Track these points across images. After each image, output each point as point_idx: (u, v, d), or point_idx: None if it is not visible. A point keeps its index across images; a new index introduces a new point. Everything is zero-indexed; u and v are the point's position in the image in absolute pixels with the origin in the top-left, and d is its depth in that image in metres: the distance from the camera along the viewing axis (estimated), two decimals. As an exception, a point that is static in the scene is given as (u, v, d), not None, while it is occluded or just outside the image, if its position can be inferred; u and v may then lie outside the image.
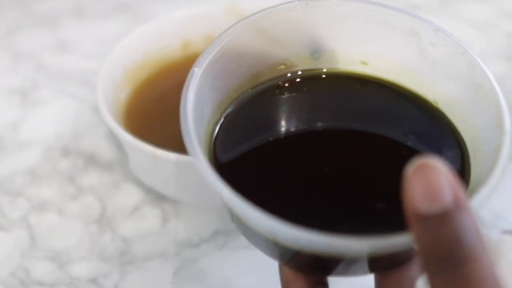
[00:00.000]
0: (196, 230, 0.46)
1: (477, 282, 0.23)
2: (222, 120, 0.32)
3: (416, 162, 0.24)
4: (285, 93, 0.34)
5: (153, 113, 0.48)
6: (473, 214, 0.24)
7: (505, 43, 0.61)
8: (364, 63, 0.34)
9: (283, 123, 0.33)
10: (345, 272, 0.30)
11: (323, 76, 0.34)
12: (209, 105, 0.32)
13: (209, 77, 0.31)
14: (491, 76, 0.30)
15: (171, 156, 0.39)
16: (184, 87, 0.30)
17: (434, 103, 0.33)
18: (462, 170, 0.30)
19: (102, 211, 0.47)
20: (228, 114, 0.33)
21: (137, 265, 0.44)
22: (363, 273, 0.30)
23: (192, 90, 0.30)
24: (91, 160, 0.51)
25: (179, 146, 0.44)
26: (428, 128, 0.32)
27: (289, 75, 0.34)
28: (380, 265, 0.30)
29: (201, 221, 0.46)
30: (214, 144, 0.32)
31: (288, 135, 0.33)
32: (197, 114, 0.29)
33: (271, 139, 0.33)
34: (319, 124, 0.33)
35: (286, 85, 0.34)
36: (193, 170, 0.40)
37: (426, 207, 0.23)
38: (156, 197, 0.48)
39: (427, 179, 0.23)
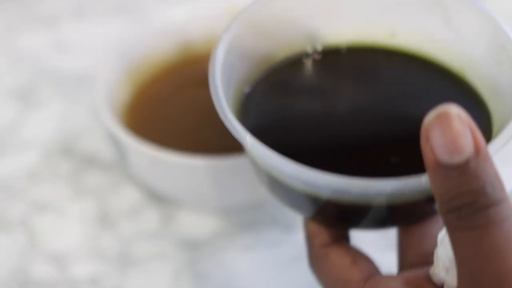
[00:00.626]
0: (196, 231, 0.46)
1: (497, 223, 0.23)
2: (249, 87, 0.34)
3: (435, 111, 0.24)
4: (313, 65, 0.35)
5: (152, 113, 0.48)
6: (493, 162, 0.24)
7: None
8: (389, 35, 0.35)
9: (311, 91, 0.34)
10: (368, 225, 0.31)
11: (350, 49, 0.35)
12: (236, 72, 0.32)
13: (238, 44, 0.32)
14: None
15: (171, 157, 0.39)
16: (213, 50, 0.31)
17: (460, 71, 0.33)
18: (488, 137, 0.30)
19: (102, 212, 0.47)
20: (256, 82, 0.34)
21: (137, 266, 0.44)
22: (385, 226, 0.31)
23: (221, 52, 0.31)
24: (91, 161, 0.51)
25: (178, 147, 0.44)
26: (454, 98, 0.32)
27: (317, 47, 0.35)
28: (401, 216, 0.31)
29: (201, 222, 0.46)
30: (243, 106, 0.33)
31: (315, 101, 0.34)
32: (225, 77, 0.30)
33: (299, 105, 0.34)
34: (346, 92, 0.34)
35: (315, 57, 0.35)
36: (193, 171, 0.40)
37: (447, 157, 0.23)
38: (156, 198, 0.48)
39: (448, 128, 0.23)
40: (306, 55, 0.35)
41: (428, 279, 0.28)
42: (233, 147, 0.44)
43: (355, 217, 0.31)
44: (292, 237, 0.45)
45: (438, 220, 0.31)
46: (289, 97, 0.34)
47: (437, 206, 0.25)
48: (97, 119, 0.54)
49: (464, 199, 0.24)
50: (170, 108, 0.48)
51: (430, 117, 0.24)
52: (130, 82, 0.49)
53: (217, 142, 0.45)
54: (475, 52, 0.33)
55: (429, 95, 0.33)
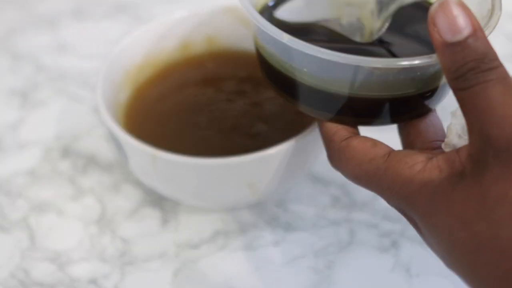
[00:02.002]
0: (196, 231, 0.46)
1: (496, 80, 0.29)
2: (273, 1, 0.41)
3: (438, 1, 0.30)
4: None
5: (153, 113, 0.48)
6: (488, 39, 0.30)
7: (505, 43, 0.61)
8: None
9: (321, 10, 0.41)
10: (380, 120, 0.36)
11: None
12: None
13: None
14: None
15: (171, 156, 0.39)
16: None
17: None
18: None
19: (102, 211, 0.47)
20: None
21: (137, 266, 0.44)
22: (394, 120, 0.36)
23: None
24: (91, 161, 0.51)
25: (179, 147, 0.44)
26: None
27: None
28: (407, 110, 0.36)
29: (201, 222, 0.46)
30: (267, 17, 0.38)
31: (325, 18, 0.40)
32: None
33: (313, 18, 0.40)
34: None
35: None
36: (193, 170, 0.40)
37: (451, 36, 0.29)
38: (156, 197, 0.48)
39: (449, 13, 0.29)
40: None
41: (441, 152, 0.33)
42: (233, 147, 0.44)
43: (370, 112, 0.36)
44: (292, 237, 0.45)
45: (434, 114, 0.36)
46: (306, 13, 0.40)
47: (445, 79, 0.31)
48: (98, 119, 0.54)
49: (468, 66, 0.29)
50: (170, 108, 0.48)
51: (434, 6, 0.30)
52: (130, 82, 0.49)
53: (217, 142, 0.45)
54: None
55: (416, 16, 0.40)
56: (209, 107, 0.48)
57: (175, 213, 0.47)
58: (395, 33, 0.39)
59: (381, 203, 0.47)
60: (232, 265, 0.44)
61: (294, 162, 0.42)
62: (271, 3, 0.40)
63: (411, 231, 0.45)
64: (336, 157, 0.35)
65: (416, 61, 0.32)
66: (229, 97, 0.49)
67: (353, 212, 0.46)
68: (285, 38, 0.33)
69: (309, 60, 0.33)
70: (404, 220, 0.46)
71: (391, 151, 0.33)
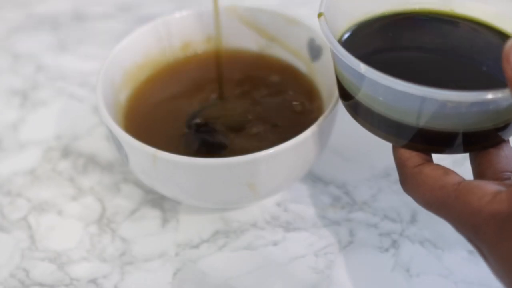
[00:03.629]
0: (196, 231, 0.46)
1: None
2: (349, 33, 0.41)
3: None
4: (398, 24, 0.43)
5: (153, 113, 0.48)
6: None
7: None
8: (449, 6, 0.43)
9: (392, 42, 0.42)
10: (452, 149, 0.36)
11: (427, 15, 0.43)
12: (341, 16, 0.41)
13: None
14: None
15: (171, 156, 0.39)
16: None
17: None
18: None
19: (102, 211, 0.47)
20: (355, 28, 0.42)
21: (137, 266, 0.44)
22: (468, 150, 0.37)
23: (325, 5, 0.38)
24: (91, 161, 0.51)
25: (179, 147, 0.44)
26: None
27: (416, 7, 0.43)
28: (480, 141, 0.36)
29: (201, 222, 0.46)
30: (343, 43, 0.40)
31: (397, 48, 0.42)
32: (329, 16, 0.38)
33: (385, 50, 0.41)
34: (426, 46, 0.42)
35: (400, 19, 0.43)
36: (193, 170, 0.40)
37: None
38: (156, 197, 0.48)
39: None
40: (394, 15, 0.43)
41: (511, 183, 0.33)
42: (233, 147, 0.44)
43: (443, 142, 0.36)
44: (292, 236, 0.45)
45: (508, 145, 0.36)
46: (381, 43, 0.42)
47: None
48: (98, 119, 0.54)
49: None
50: (170, 108, 0.48)
51: (509, 43, 0.30)
52: (130, 82, 0.49)
53: (217, 142, 0.45)
54: None
55: (491, 50, 0.40)
56: (209, 107, 0.48)
57: (175, 213, 0.47)
58: (459, 59, 0.40)
59: (381, 203, 0.47)
60: (232, 265, 0.44)
61: (294, 162, 0.42)
62: (346, 36, 0.42)
63: (411, 231, 0.45)
64: (408, 182, 0.36)
65: (490, 96, 0.32)
66: (229, 97, 0.49)
67: (353, 212, 0.46)
68: (362, 68, 0.34)
69: (384, 90, 0.34)
70: (404, 220, 0.46)
71: (462, 181, 0.33)
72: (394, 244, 0.44)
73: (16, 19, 0.67)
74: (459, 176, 0.34)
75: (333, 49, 0.36)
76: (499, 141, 0.36)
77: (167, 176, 0.41)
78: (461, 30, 0.42)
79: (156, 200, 0.48)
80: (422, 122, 0.35)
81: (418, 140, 0.36)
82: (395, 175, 0.48)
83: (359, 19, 0.42)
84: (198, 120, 0.46)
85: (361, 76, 0.35)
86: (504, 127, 0.35)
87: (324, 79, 0.48)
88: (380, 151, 0.44)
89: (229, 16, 0.51)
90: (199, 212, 0.47)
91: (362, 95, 0.36)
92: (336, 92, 0.42)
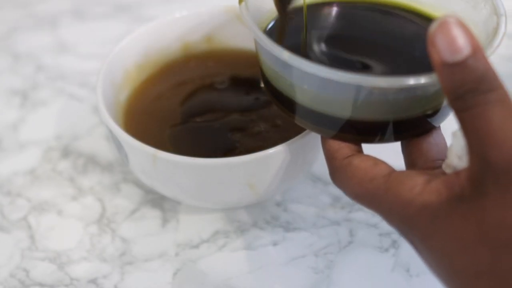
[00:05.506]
0: (196, 231, 0.46)
1: (496, 102, 0.28)
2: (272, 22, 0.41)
3: (438, 21, 0.29)
4: (325, 12, 0.42)
5: (153, 113, 0.48)
6: (488, 59, 0.29)
7: (505, 43, 0.61)
8: None
9: (319, 30, 0.41)
10: (383, 139, 0.36)
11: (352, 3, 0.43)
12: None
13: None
14: None
15: (171, 156, 0.39)
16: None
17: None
18: None
19: (102, 211, 0.47)
20: (275, 22, 0.41)
21: (137, 266, 0.44)
22: (398, 138, 0.36)
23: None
24: (91, 161, 0.51)
25: (179, 147, 0.44)
26: None
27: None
28: (410, 129, 0.36)
29: (201, 222, 0.46)
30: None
31: (324, 36, 0.41)
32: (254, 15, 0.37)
33: (311, 37, 0.40)
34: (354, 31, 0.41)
35: (323, 6, 0.42)
36: (193, 170, 0.40)
37: (450, 56, 0.29)
38: (156, 197, 0.48)
39: (448, 33, 0.29)
40: (320, 3, 0.42)
41: (442, 172, 0.32)
42: (233, 147, 0.44)
43: (372, 131, 0.35)
44: (292, 236, 0.45)
45: (438, 132, 0.36)
46: (307, 31, 0.40)
47: (445, 100, 0.31)
48: (98, 119, 0.54)
49: (467, 87, 0.29)
50: (170, 107, 0.48)
51: (433, 26, 0.29)
52: (130, 82, 0.49)
53: (217, 142, 0.45)
54: (455, 4, 0.39)
55: (418, 35, 0.40)
56: (209, 107, 0.48)
57: (175, 213, 0.47)
58: (389, 46, 0.39)
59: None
60: (232, 265, 0.44)
61: (294, 162, 0.42)
62: (270, 25, 0.41)
63: (411, 231, 0.45)
64: (337, 175, 0.35)
65: (413, 81, 0.31)
66: (229, 97, 0.49)
67: (353, 212, 0.46)
68: (286, 56, 0.33)
69: (308, 78, 0.33)
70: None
71: (392, 172, 0.33)
72: (394, 244, 0.44)
73: (16, 19, 0.67)
74: (389, 166, 0.34)
75: (255, 36, 0.35)
76: (429, 128, 0.36)
77: (167, 176, 0.41)
78: (391, 17, 0.42)
79: (156, 200, 0.48)
80: (349, 111, 0.34)
81: (346, 131, 0.35)
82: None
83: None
84: (198, 120, 0.46)
85: (285, 65, 0.34)
86: (434, 113, 0.35)
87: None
88: (380, 151, 0.44)
89: (229, 16, 0.51)
90: (199, 212, 0.47)
91: (287, 85, 0.35)
92: None
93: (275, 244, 0.45)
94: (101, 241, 0.45)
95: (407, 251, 0.44)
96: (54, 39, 0.64)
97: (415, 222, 0.31)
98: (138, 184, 0.49)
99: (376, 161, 0.34)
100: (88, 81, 0.59)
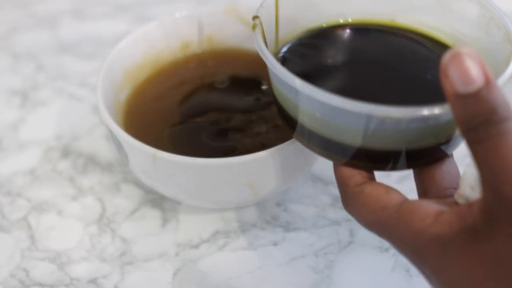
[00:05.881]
0: (196, 231, 0.46)
1: (509, 133, 0.28)
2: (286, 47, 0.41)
3: (450, 52, 0.29)
4: (337, 35, 0.42)
5: (153, 113, 0.48)
6: (502, 92, 0.29)
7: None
8: (391, 16, 0.42)
9: (332, 55, 0.41)
10: (395, 166, 0.36)
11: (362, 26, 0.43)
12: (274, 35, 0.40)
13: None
14: (498, 8, 0.37)
15: (171, 156, 0.39)
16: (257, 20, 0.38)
17: (452, 45, 0.40)
18: None
19: (102, 211, 0.47)
20: (290, 46, 0.41)
21: (137, 266, 0.44)
22: (410, 167, 0.36)
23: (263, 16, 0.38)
24: (91, 161, 0.51)
25: (179, 147, 0.44)
26: None
27: (341, 20, 0.42)
28: (422, 158, 0.35)
29: (201, 222, 0.46)
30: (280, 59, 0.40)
31: (337, 62, 0.41)
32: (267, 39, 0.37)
33: (324, 63, 0.40)
34: (364, 57, 0.41)
35: (339, 30, 0.42)
36: (193, 170, 0.40)
37: (463, 88, 0.29)
38: (156, 197, 0.48)
39: (461, 64, 0.29)
40: (333, 27, 0.42)
41: (454, 202, 0.32)
42: (233, 147, 0.44)
43: (385, 159, 0.35)
44: (292, 236, 0.45)
45: (451, 160, 0.36)
46: (318, 57, 0.41)
47: (458, 132, 0.31)
48: (98, 119, 0.54)
49: (480, 118, 0.29)
50: (170, 107, 0.48)
51: (446, 57, 0.29)
52: (130, 82, 0.49)
53: (217, 142, 0.45)
54: (465, 28, 0.39)
55: (430, 62, 0.40)
56: (209, 107, 0.48)
57: (175, 213, 0.47)
58: (401, 72, 0.39)
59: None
60: (232, 265, 0.44)
61: (294, 162, 0.42)
62: (284, 49, 0.41)
63: (411, 231, 0.45)
64: (349, 202, 0.35)
65: (426, 112, 0.31)
66: (229, 97, 0.49)
67: (353, 212, 0.46)
68: (298, 84, 0.33)
69: (320, 106, 0.33)
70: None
71: (404, 201, 0.33)
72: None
73: (16, 19, 0.67)
74: (401, 195, 0.33)
75: (267, 63, 0.35)
76: (442, 156, 0.36)
77: (167, 176, 0.41)
78: (403, 42, 0.41)
79: (156, 200, 0.48)
80: (361, 140, 0.34)
81: (358, 158, 0.35)
82: (395, 175, 0.48)
83: (299, 31, 0.41)
84: (198, 120, 0.46)
85: (297, 92, 0.34)
86: (446, 142, 0.35)
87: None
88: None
89: (229, 16, 0.51)
90: (199, 212, 0.47)
91: (299, 112, 0.35)
92: None
93: (275, 244, 0.45)
94: (101, 241, 0.45)
95: (407, 251, 0.44)
96: (54, 39, 0.64)
97: (426, 254, 0.31)
98: (138, 184, 0.49)
99: (388, 190, 0.34)
100: (88, 81, 0.59)
